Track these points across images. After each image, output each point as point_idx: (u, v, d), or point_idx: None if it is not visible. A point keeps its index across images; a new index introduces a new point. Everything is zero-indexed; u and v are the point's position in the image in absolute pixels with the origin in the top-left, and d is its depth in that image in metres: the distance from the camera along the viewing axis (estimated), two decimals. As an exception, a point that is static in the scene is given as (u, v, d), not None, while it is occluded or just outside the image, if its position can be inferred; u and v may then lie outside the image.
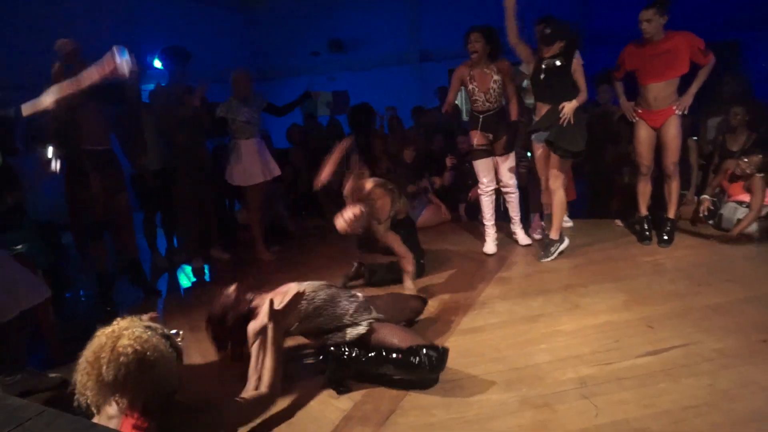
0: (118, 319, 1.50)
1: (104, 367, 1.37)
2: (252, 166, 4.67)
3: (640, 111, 4.08)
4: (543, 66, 3.86)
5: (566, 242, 4.09)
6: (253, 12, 10.10)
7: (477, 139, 4.27)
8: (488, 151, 4.32)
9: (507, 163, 4.32)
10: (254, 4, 10.04)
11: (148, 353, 1.42)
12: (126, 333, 1.43)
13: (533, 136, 4.15)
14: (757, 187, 4.03)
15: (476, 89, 4.16)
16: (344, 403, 2.40)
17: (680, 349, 2.56)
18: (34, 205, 4.95)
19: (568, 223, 4.38)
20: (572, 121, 3.79)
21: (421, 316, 3.27)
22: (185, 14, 8.24)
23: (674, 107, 3.93)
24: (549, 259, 4.00)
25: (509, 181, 4.36)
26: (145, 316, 1.59)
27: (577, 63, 3.84)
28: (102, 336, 1.44)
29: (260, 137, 4.81)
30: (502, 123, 4.26)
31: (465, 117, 5.90)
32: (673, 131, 3.97)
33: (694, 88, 3.91)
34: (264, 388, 2.02)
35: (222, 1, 9.29)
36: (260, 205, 4.88)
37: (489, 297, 3.48)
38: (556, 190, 4.00)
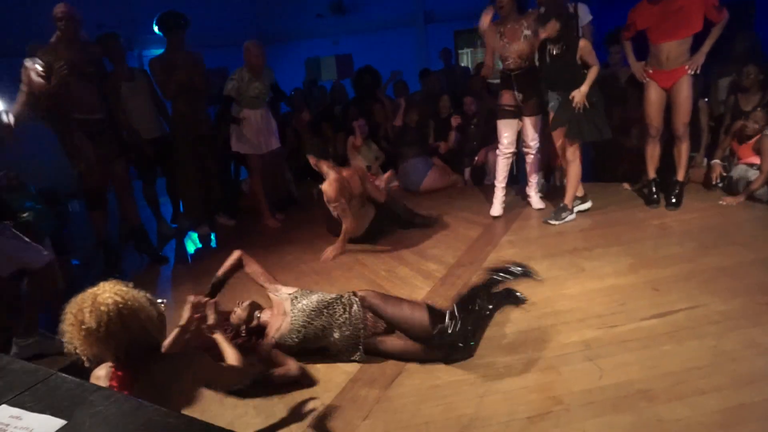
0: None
1: (87, 316, 1.42)
2: (256, 136, 4.64)
3: (650, 71, 3.98)
4: (547, 54, 3.78)
5: (573, 215, 4.09)
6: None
7: (506, 98, 4.19)
8: (515, 112, 4.22)
9: (534, 125, 4.21)
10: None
11: (129, 302, 1.47)
12: (107, 287, 1.49)
13: (551, 106, 4.06)
14: (766, 148, 3.96)
15: (507, 45, 4.01)
16: (350, 366, 2.44)
17: (685, 311, 2.57)
18: (37, 174, 4.97)
19: (586, 205, 4.28)
20: (587, 106, 3.71)
21: (429, 279, 3.29)
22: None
23: (686, 66, 3.83)
24: (557, 223, 3.98)
25: (531, 143, 4.27)
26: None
27: (584, 46, 3.71)
28: (85, 292, 1.50)
29: (267, 107, 4.75)
30: (535, 83, 4.08)
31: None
32: (684, 92, 3.87)
33: (706, 47, 3.80)
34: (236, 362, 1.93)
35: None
36: (263, 173, 4.86)
37: (494, 261, 3.48)
38: (573, 160, 3.96)
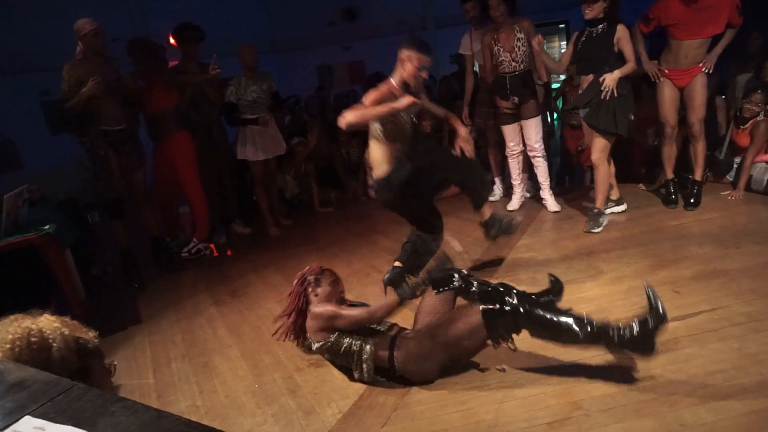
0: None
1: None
2: (257, 142, 4.69)
3: (666, 70, 3.93)
4: (583, 38, 3.74)
5: (607, 218, 3.98)
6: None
7: (503, 103, 4.25)
8: (515, 116, 4.28)
9: (533, 127, 4.24)
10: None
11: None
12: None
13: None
14: (758, 132, 3.96)
15: (501, 49, 4.13)
16: (368, 372, 2.43)
17: (707, 313, 2.52)
18: (58, 187, 5.07)
19: (621, 207, 4.21)
20: (615, 94, 3.61)
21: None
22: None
23: (701, 66, 3.78)
24: (598, 230, 3.82)
25: (535, 145, 4.29)
26: None
27: (622, 30, 3.65)
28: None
29: (268, 113, 4.80)
30: (529, 85, 4.20)
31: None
32: (698, 88, 3.82)
33: (720, 48, 3.75)
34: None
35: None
36: (266, 181, 4.91)
37: (511, 265, 3.46)
38: (600, 164, 3.81)
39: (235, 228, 5.14)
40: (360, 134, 5.99)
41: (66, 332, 1.28)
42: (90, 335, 1.39)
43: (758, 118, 4.05)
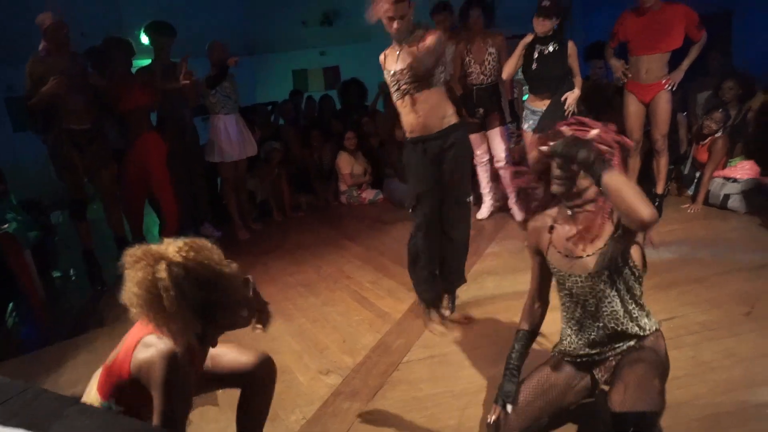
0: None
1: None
2: (228, 142, 4.66)
3: (630, 84, 4.05)
4: (536, 54, 3.80)
5: None
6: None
7: (467, 112, 4.31)
8: (481, 125, 4.36)
9: (498, 138, 4.34)
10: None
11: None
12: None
13: (525, 126, 4.10)
14: (716, 149, 4.13)
15: (472, 61, 4.22)
16: (333, 378, 2.44)
17: (666, 322, 2.58)
18: (20, 185, 4.92)
19: None
20: (576, 111, 3.74)
21: (413, 291, 3.29)
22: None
23: (664, 82, 3.91)
24: None
25: (501, 154, 4.38)
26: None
27: (573, 47, 3.78)
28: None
29: (239, 114, 4.78)
30: (495, 97, 4.32)
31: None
32: (663, 105, 3.95)
33: (685, 65, 3.89)
34: None
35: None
36: (236, 183, 4.89)
37: (478, 272, 3.51)
38: None
39: (204, 230, 5.06)
40: (333, 139, 6.01)
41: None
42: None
43: (716, 135, 4.22)
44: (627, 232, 1.61)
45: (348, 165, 5.70)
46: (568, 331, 1.88)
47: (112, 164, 4.06)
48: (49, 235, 4.61)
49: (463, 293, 3.16)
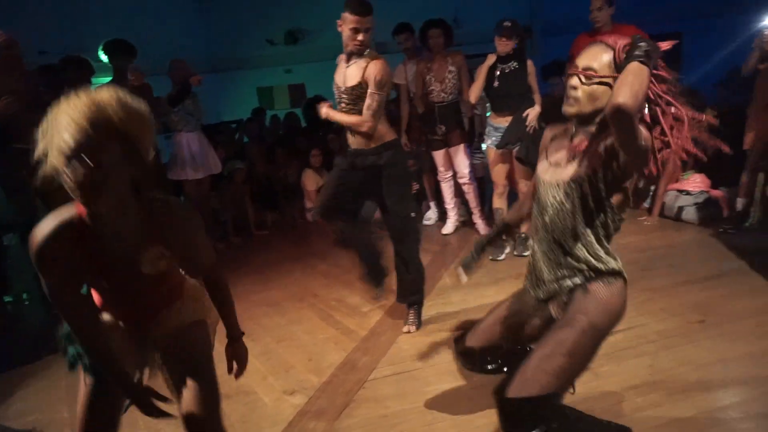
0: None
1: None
2: (191, 160, 4.61)
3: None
4: (497, 72, 3.88)
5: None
6: (209, 1, 9.85)
7: (431, 130, 4.40)
8: (444, 142, 4.43)
9: (460, 155, 4.40)
10: (207, -8, 9.80)
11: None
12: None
13: (488, 143, 4.14)
14: (668, 163, 4.28)
15: (433, 79, 4.28)
16: (299, 398, 2.40)
17: (624, 332, 2.66)
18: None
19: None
20: (538, 127, 3.79)
21: (379, 307, 3.29)
22: (134, 2, 7.95)
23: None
24: (527, 253, 3.89)
25: (464, 171, 4.44)
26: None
27: (532, 66, 3.87)
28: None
29: (201, 131, 4.73)
30: (456, 115, 4.40)
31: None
32: (616, 123, 4.08)
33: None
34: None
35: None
36: (199, 201, 4.79)
37: (443, 287, 3.54)
38: (528, 197, 3.93)
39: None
40: (298, 157, 5.99)
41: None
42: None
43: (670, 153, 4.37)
44: (605, 128, 1.64)
45: (314, 182, 5.68)
46: (535, 246, 1.92)
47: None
48: (1, 259, 4.42)
49: (428, 309, 3.17)
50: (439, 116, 4.33)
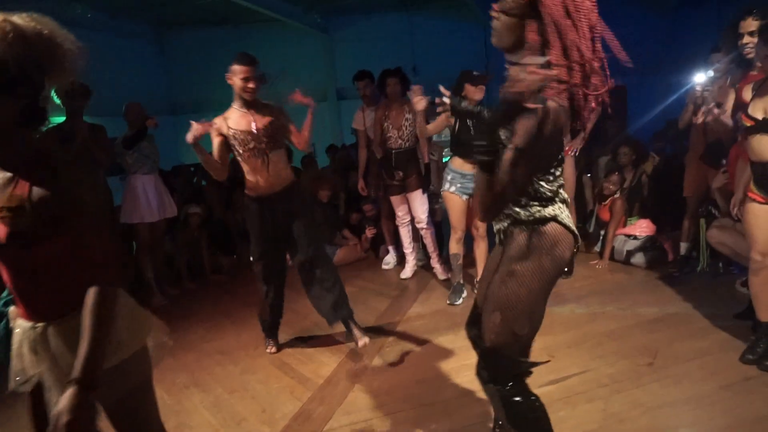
0: None
1: None
2: (146, 203, 4.52)
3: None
4: (472, 120, 3.87)
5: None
6: (168, 44, 9.90)
7: (389, 175, 4.49)
8: (401, 187, 4.50)
9: (418, 200, 4.47)
10: (169, 36, 9.85)
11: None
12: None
13: (450, 188, 3.98)
14: (616, 209, 4.51)
15: (390, 126, 4.41)
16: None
17: (578, 376, 2.71)
18: None
19: None
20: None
21: (335, 357, 3.24)
22: (96, 43, 7.88)
23: (566, 148, 4.25)
24: (459, 302, 3.97)
25: (422, 216, 4.50)
26: None
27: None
28: None
29: (158, 174, 4.67)
30: (413, 161, 4.50)
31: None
32: (568, 170, 4.27)
33: (584, 132, 4.27)
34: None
35: (132, 31, 9.02)
36: (152, 245, 4.70)
37: (403, 333, 3.51)
38: (483, 239, 4.01)
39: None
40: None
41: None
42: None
43: (615, 196, 4.60)
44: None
45: (272, 226, 5.63)
46: None
47: None
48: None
49: (386, 354, 3.15)
50: (397, 162, 4.43)
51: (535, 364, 1.73)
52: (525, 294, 1.64)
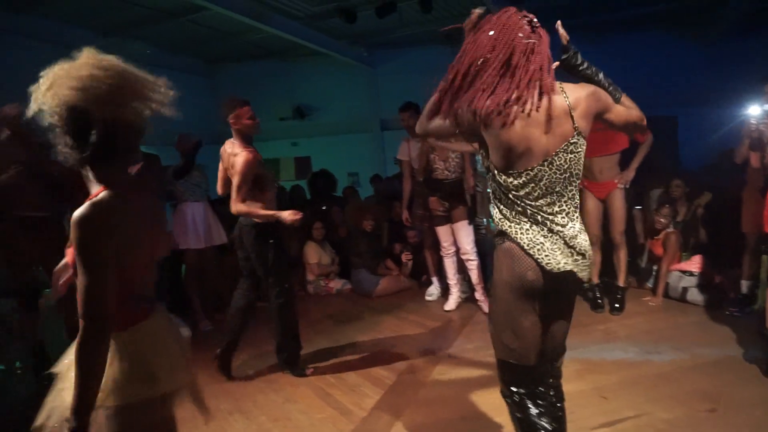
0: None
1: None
2: (194, 230, 4.64)
3: (585, 183, 4.27)
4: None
5: None
6: (218, 77, 10.32)
7: (434, 205, 4.45)
8: (447, 218, 4.48)
9: (463, 231, 4.44)
10: (217, 69, 10.27)
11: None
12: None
13: None
14: (670, 243, 4.32)
15: (437, 158, 4.39)
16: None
17: (632, 420, 2.58)
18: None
19: None
20: None
21: (377, 388, 3.20)
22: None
23: (617, 180, 4.15)
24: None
25: (467, 247, 4.45)
26: None
27: None
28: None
29: (207, 202, 4.80)
30: (459, 192, 4.46)
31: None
32: (617, 203, 4.16)
33: (635, 163, 4.17)
34: None
35: (186, 66, 9.46)
36: (200, 271, 4.80)
37: (445, 369, 3.45)
38: None
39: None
40: (301, 228, 6.03)
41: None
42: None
43: (668, 230, 4.43)
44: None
45: (315, 255, 5.70)
46: None
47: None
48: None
49: (430, 389, 3.09)
50: (442, 194, 4.41)
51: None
52: (500, 309, 1.75)
